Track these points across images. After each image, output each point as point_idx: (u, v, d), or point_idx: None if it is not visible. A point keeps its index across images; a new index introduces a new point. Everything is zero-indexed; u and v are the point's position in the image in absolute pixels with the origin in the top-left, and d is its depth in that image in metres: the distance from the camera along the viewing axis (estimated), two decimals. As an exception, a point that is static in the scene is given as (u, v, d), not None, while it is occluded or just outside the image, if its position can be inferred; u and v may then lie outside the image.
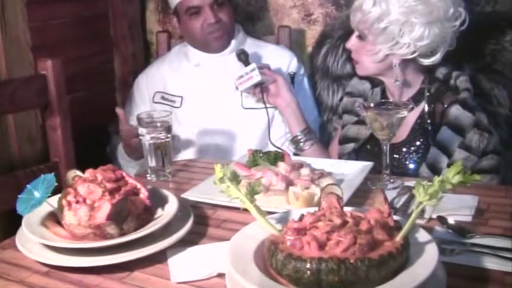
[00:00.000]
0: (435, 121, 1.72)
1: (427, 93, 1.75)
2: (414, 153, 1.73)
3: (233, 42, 2.14)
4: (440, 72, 1.78)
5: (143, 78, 2.26)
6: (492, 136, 1.68)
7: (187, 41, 2.21)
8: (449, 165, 1.61)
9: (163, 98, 2.16)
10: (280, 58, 2.16)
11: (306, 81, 2.22)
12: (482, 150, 1.66)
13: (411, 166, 1.73)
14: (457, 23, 1.68)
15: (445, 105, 1.71)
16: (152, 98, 2.17)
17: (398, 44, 1.67)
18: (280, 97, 1.97)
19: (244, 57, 2.00)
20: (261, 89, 1.96)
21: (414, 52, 1.68)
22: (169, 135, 1.57)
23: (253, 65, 1.92)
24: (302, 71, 2.21)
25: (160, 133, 1.56)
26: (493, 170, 1.67)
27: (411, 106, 1.44)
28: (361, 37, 1.75)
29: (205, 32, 2.09)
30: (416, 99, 1.76)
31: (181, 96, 2.13)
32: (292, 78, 2.12)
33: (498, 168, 1.69)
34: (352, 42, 1.78)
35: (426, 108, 1.74)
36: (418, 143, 1.73)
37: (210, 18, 2.06)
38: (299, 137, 1.96)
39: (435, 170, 1.64)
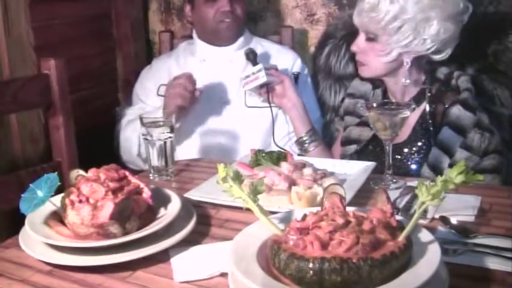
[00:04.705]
0: (436, 121, 1.72)
1: (428, 94, 1.75)
2: (416, 154, 1.73)
3: (241, 39, 2.15)
4: (441, 73, 1.78)
5: (149, 69, 2.27)
6: (493, 136, 1.68)
7: (196, 31, 2.21)
8: (450, 165, 1.63)
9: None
10: (284, 58, 2.16)
11: (309, 81, 2.22)
12: (483, 150, 1.66)
13: (413, 166, 1.73)
14: (465, 16, 1.69)
15: (446, 106, 1.71)
16: (157, 90, 2.16)
17: (414, 41, 1.67)
18: (286, 98, 1.97)
19: (252, 57, 2.00)
20: (266, 89, 1.96)
21: (429, 48, 1.68)
22: (172, 135, 1.58)
23: (259, 66, 1.92)
24: (306, 71, 2.21)
25: (163, 133, 1.56)
26: (494, 170, 1.67)
27: (413, 106, 1.44)
28: (370, 38, 1.74)
29: (218, 20, 2.09)
30: (417, 99, 1.76)
31: None
32: (296, 78, 2.12)
33: (500, 168, 1.69)
34: (361, 45, 1.76)
35: (427, 109, 1.74)
36: (419, 143, 1.74)
37: (225, 6, 2.06)
38: (304, 139, 1.96)
39: (437, 170, 1.64)
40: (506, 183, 1.70)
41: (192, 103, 1.97)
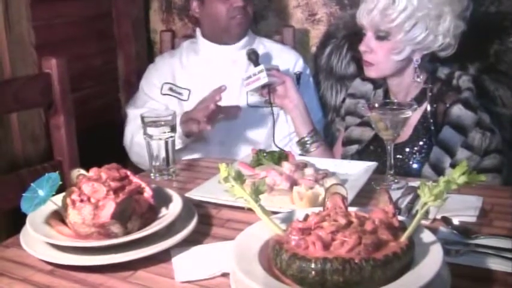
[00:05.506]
0: (437, 121, 1.72)
1: (429, 93, 1.75)
2: (417, 153, 1.73)
3: (245, 38, 2.15)
4: (442, 73, 1.78)
5: (154, 66, 2.25)
6: (494, 135, 1.68)
7: (202, 29, 2.20)
8: (451, 165, 1.63)
9: (171, 89, 2.14)
10: (286, 58, 2.16)
11: (311, 81, 2.22)
12: (484, 150, 1.66)
13: (414, 166, 1.72)
14: (468, 13, 1.71)
15: (447, 105, 1.71)
16: (160, 89, 2.16)
17: (428, 38, 1.68)
18: (287, 98, 1.96)
19: (254, 57, 2.00)
20: (268, 90, 1.96)
21: (441, 45, 1.69)
22: (173, 135, 1.58)
23: (261, 67, 1.92)
24: (308, 71, 2.21)
25: (165, 132, 1.56)
26: (495, 169, 1.67)
27: (415, 106, 1.44)
28: (380, 37, 1.72)
29: (230, 16, 2.08)
30: (418, 99, 1.76)
31: (189, 90, 2.12)
32: (298, 78, 2.11)
33: (501, 168, 1.69)
34: (371, 44, 1.74)
35: (428, 108, 1.74)
36: (421, 143, 1.73)
37: (238, 1, 2.06)
38: (306, 139, 1.95)
39: (438, 170, 1.64)
40: (508, 183, 1.70)
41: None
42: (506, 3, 2.07)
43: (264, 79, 1.91)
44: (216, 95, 1.84)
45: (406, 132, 1.73)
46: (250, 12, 2.13)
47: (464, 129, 1.67)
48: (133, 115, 2.13)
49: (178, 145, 1.89)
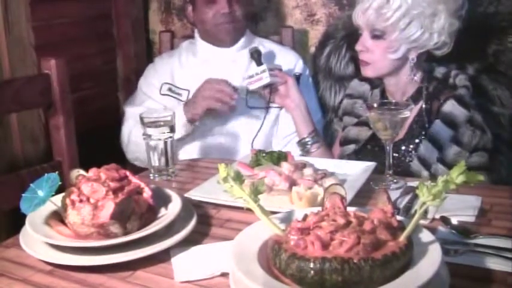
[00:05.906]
0: (432, 118, 1.72)
1: (425, 92, 1.76)
2: (413, 151, 1.73)
3: (242, 39, 2.15)
4: (439, 72, 1.79)
5: (153, 67, 2.25)
6: (485, 135, 1.69)
7: (198, 32, 2.20)
8: (439, 159, 1.63)
9: (170, 89, 2.14)
10: (286, 59, 2.15)
11: (310, 82, 2.22)
12: (473, 147, 1.66)
13: (411, 164, 1.72)
14: (463, 11, 1.72)
15: (441, 101, 1.71)
16: (160, 89, 2.16)
17: (423, 36, 1.68)
18: (289, 98, 1.96)
19: (257, 56, 1.99)
20: (270, 89, 1.96)
21: (436, 43, 1.70)
22: (172, 135, 1.58)
23: (263, 67, 1.92)
24: (307, 72, 2.21)
25: (164, 133, 1.56)
26: (481, 168, 1.67)
27: (412, 106, 1.44)
28: (376, 36, 1.73)
29: (217, 22, 2.07)
30: (414, 98, 1.76)
31: (188, 90, 2.11)
32: (297, 79, 2.11)
33: (487, 167, 1.69)
34: (367, 44, 1.75)
35: (424, 106, 1.74)
36: (416, 140, 1.73)
37: (224, 8, 2.04)
38: (306, 139, 1.95)
39: (426, 164, 1.65)
40: (507, 183, 1.70)
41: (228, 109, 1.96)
42: (505, 3, 2.07)
43: (266, 79, 1.91)
44: (233, 94, 1.89)
45: (402, 131, 1.74)
46: (239, 16, 2.10)
47: (455, 124, 1.67)
48: (130, 113, 2.13)
49: (180, 134, 1.91)
